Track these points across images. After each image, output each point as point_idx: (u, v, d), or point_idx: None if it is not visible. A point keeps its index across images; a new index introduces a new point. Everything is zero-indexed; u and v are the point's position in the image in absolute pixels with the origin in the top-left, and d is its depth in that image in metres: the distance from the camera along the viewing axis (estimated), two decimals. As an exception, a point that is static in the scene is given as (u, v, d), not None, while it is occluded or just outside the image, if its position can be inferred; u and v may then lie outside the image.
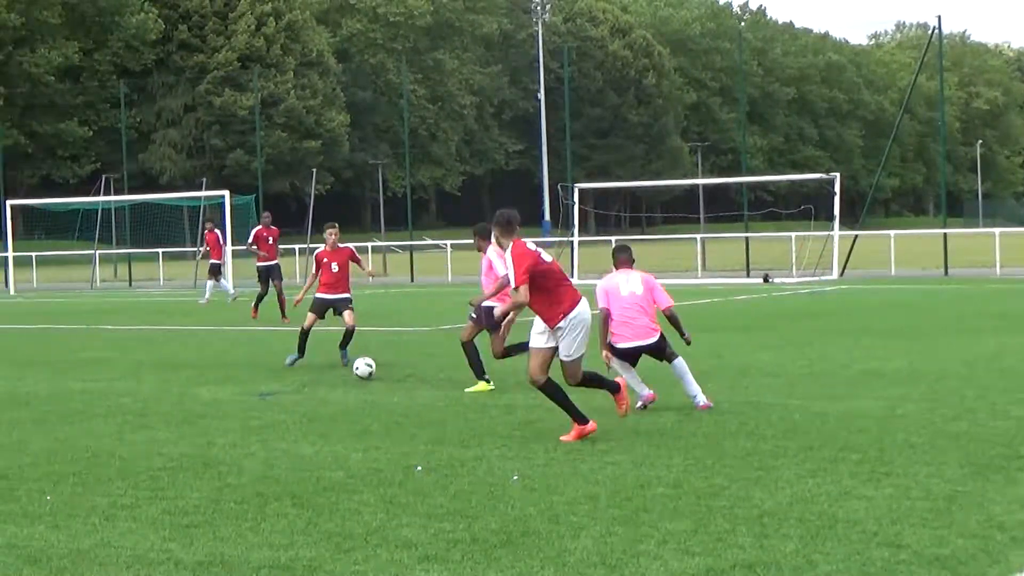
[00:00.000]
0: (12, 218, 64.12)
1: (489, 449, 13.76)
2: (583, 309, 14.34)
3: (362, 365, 20.31)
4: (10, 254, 63.77)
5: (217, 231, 47.19)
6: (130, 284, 64.86)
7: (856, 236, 56.69)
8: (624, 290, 16.69)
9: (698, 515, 10.45)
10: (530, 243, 14.62)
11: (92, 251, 69.48)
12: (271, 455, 13.76)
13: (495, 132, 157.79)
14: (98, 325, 35.55)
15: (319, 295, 23.02)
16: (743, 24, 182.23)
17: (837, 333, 27.62)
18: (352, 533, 10.14)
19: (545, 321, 14.34)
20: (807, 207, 61.45)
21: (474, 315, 19.06)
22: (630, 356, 16.65)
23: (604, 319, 16.52)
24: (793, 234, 56.78)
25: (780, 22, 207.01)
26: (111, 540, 10.16)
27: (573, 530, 10.03)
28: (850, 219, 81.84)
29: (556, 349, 14.40)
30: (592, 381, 14.87)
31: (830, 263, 53.40)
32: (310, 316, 22.58)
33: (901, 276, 52.32)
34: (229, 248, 52.04)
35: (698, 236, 63.28)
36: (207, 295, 45.42)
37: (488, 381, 18.88)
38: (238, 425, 15.98)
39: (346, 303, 22.85)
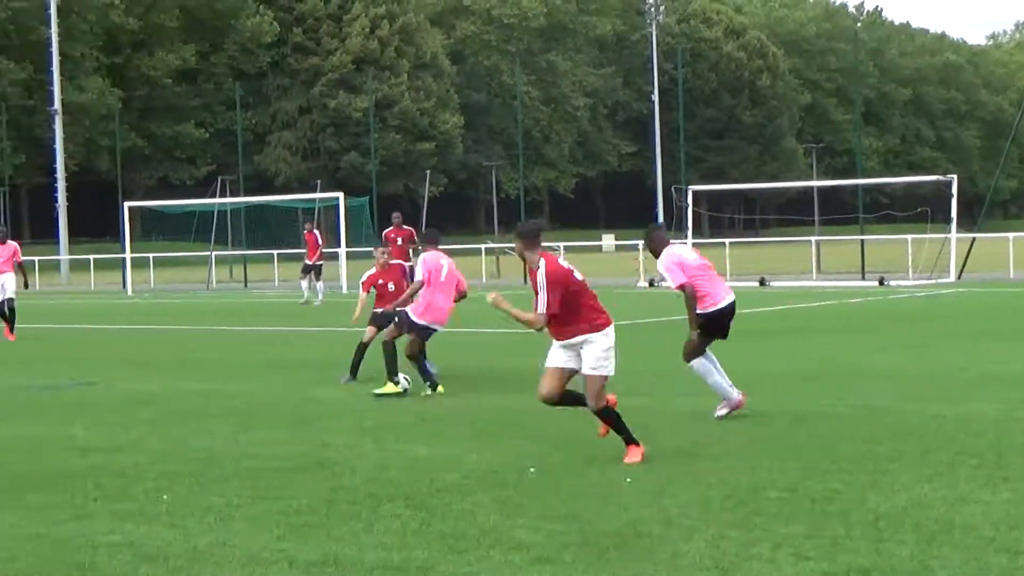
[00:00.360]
0: (130, 220, 64.87)
1: (601, 452, 13.72)
2: (612, 330, 13.31)
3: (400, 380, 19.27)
4: (128, 255, 64.50)
5: (316, 232, 47.46)
6: (245, 285, 65.40)
7: (974, 239, 56.10)
8: (689, 256, 16.39)
9: (812, 519, 10.38)
10: (562, 259, 13.35)
11: (208, 252, 70.11)
12: (385, 456, 13.82)
13: (608, 134, 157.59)
14: (214, 326, 35.88)
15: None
16: (859, 24, 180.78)
17: (954, 336, 27.36)
18: (465, 534, 10.16)
19: (565, 336, 13.34)
20: (923, 209, 60.81)
21: (396, 320, 19.92)
22: (722, 323, 16.35)
23: (691, 294, 15.93)
24: (909, 236, 56.19)
25: (896, 22, 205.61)
26: (226, 539, 10.24)
27: (686, 533, 10.00)
28: (967, 221, 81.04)
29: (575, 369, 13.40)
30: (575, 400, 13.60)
31: (947, 266, 52.85)
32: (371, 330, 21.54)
33: (1021, 279, 51.66)
34: (344, 249, 52.24)
35: (813, 238, 62.92)
36: (320, 297, 45.71)
37: (397, 383, 19.21)
38: (352, 426, 16.07)
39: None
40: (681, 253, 16.23)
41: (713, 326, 16.16)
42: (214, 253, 69.93)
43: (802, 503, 11.01)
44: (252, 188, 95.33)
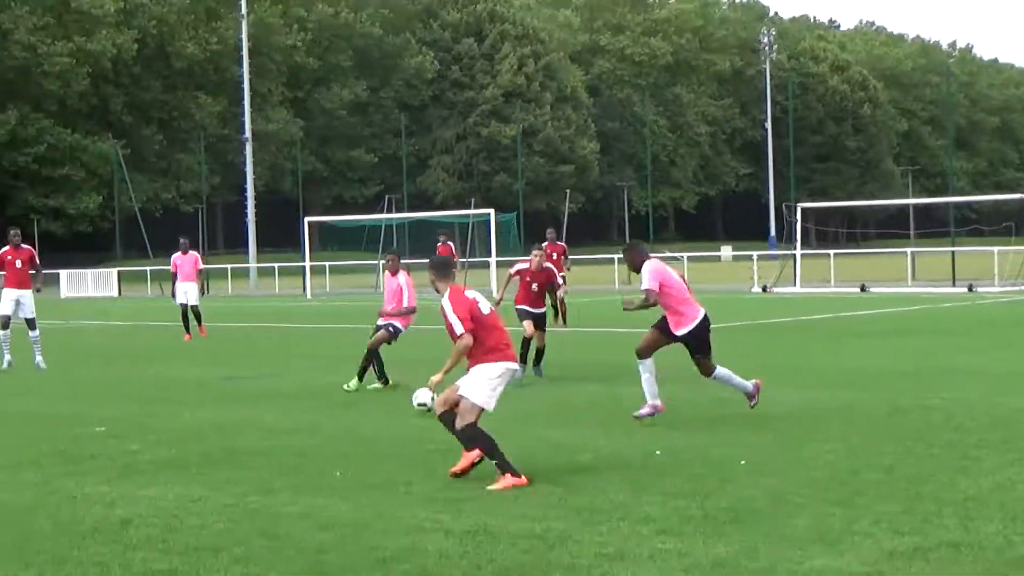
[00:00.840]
0: (309, 233, 65.45)
1: (720, 437, 13.64)
2: (512, 367, 12.03)
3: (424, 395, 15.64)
4: (307, 263, 65.12)
5: (450, 243, 47.69)
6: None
7: (1055, 249, 55.13)
8: (674, 275, 15.17)
9: (907, 499, 10.22)
10: (469, 291, 12.13)
11: (376, 261, 70.61)
12: (529, 440, 13.81)
13: (727, 157, 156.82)
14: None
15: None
16: (951, 60, 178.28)
17: (1036, 337, 26.88)
18: (599, 508, 10.13)
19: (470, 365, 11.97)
20: (1008, 224, 59.84)
21: (391, 329, 20.05)
22: (703, 338, 15.10)
23: (652, 303, 14.83)
24: (996, 248, 55.26)
25: (986, 58, 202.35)
26: (391, 511, 10.30)
27: (794, 509, 9.90)
28: (1050, 234, 79.54)
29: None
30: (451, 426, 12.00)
31: (1030, 274, 51.98)
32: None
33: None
34: (494, 259, 52.31)
35: (908, 250, 62.05)
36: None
37: (386, 383, 19.53)
38: (500, 413, 16.05)
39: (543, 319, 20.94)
40: (667, 269, 15.17)
41: (696, 342, 15.11)
42: (381, 262, 70.38)
43: (898, 484, 10.86)
44: (415, 205, 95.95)
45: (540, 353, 20.58)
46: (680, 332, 14.99)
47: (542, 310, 20.92)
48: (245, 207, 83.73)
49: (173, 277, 33.35)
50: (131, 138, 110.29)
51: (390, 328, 20.08)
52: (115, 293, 72.42)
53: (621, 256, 16.12)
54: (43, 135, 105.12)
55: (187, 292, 32.80)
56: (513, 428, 14.68)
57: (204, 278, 34.63)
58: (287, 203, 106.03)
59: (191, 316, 32.68)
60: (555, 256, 34.42)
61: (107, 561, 8.89)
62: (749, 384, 15.20)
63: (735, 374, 15.29)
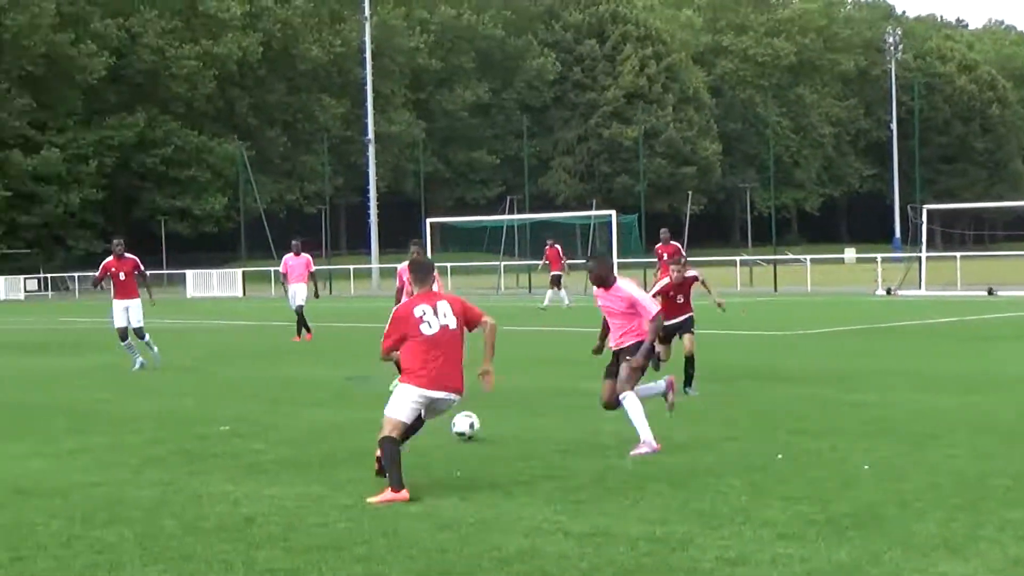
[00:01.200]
0: (431, 233, 65.85)
1: (842, 441, 13.51)
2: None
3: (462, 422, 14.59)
4: (429, 264, 65.45)
5: (557, 246, 47.60)
6: (529, 291, 65.80)
7: None
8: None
9: (1036, 506, 10.06)
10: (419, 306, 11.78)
11: (498, 262, 70.86)
12: (649, 441, 13.77)
13: (851, 158, 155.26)
14: (503, 326, 36.13)
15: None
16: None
17: None
18: (720, 512, 10.09)
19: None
20: None
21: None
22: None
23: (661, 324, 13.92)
24: None
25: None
26: (511, 511, 10.33)
27: (918, 515, 9.78)
28: None
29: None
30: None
31: None
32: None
33: None
34: (616, 260, 52.28)
35: (1038, 251, 60.99)
36: (567, 301, 45.98)
37: None
38: (622, 415, 16.03)
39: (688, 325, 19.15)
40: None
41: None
42: (503, 263, 70.64)
43: (1026, 491, 10.69)
44: (536, 206, 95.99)
45: (689, 362, 18.68)
46: (622, 346, 13.93)
47: (684, 316, 18.98)
48: (368, 208, 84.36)
49: (284, 279, 33.31)
50: (256, 140, 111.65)
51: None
52: (240, 293, 73.32)
53: (587, 264, 14.76)
54: (170, 137, 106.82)
55: (296, 294, 32.67)
56: (634, 430, 14.64)
57: (315, 280, 34.57)
58: (409, 204, 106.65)
59: (300, 318, 32.34)
60: (665, 257, 34.08)
61: (230, 559, 9.00)
62: (661, 384, 14.35)
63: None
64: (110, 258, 25.39)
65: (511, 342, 30.16)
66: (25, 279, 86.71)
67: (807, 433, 14.18)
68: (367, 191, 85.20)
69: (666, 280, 19.24)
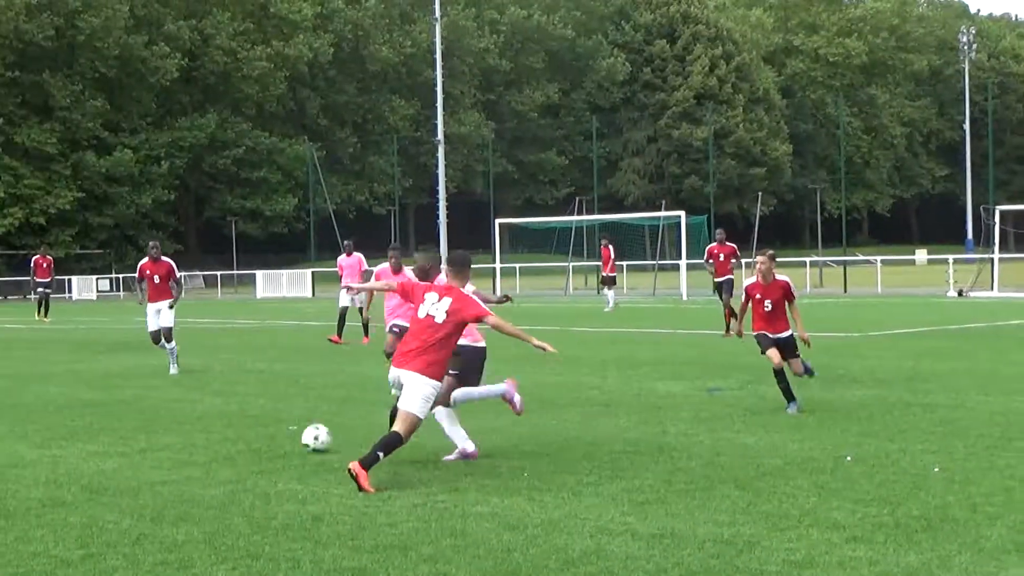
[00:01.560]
0: (500, 234, 65.91)
1: (912, 443, 13.42)
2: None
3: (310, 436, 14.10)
4: (497, 265, 65.64)
5: (610, 247, 47.54)
6: (598, 292, 65.75)
7: None
8: None
9: (1108, 510, 9.95)
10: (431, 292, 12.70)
11: (566, 263, 70.84)
12: (717, 443, 13.75)
13: (923, 159, 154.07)
14: (570, 327, 36.20)
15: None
16: None
17: None
18: (787, 514, 10.04)
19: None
20: None
21: (395, 330, 18.17)
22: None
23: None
24: None
25: None
26: (577, 512, 10.33)
27: (989, 519, 9.70)
28: None
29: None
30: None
31: None
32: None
33: None
34: (684, 261, 52.12)
35: (1113, 254, 60.31)
36: (610, 304, 45.76)
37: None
38: (689, 416, 16.02)
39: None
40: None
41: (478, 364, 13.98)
42: (572, 264, 70.60)
43: (1099, 495, 10.57)
44: (605, 207, 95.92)
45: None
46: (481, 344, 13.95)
47: (786, 333, 17.00)
48: (437, 209, 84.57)
49: (340, 279, 32.65)
50: (326, 141, 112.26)
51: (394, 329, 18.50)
52: (309, 294, 73.70)
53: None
54: (242, 138, 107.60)
55: (352, 296, 32.26)
56: (703, 432, 14.63)
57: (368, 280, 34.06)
58: (478, 205, 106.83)
59: (361, 320, 31.88)
60: (722, 258, 33.60)
61: (298, 557, 9.06)
62: (500, 386, 13.98)
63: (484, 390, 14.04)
64: (145, 260, 25.10)
65: (583, 342, 30.16)
66: (97, 279, 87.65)
67: (876, 435, 14.09)
68: (436, 192, 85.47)
69: (752, 279, 17.25)
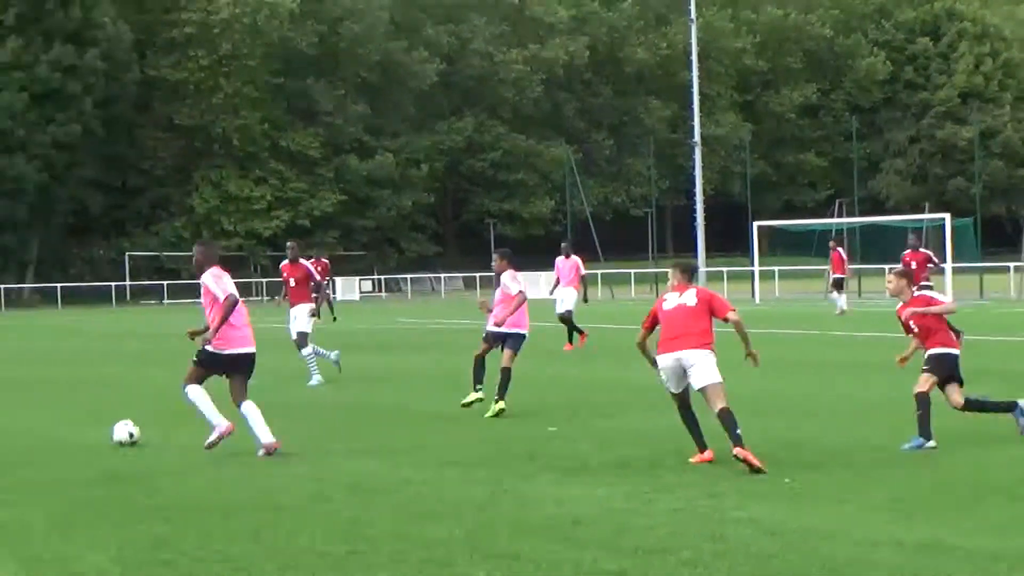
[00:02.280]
0: (758, 237, 65.33)
1: None
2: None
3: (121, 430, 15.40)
4: (756, 268, 65.09)
5: (840, 249, 46.41)
6: (859, 295, 64.63)
7: None
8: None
9: None
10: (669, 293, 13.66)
11: (826, 266, 69.76)
12: (985, 453, 13.40)
13: None
14: (825, 331, 35.65)
15: None
16: None
17: None
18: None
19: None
20: None
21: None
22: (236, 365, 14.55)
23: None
24: None
25: None
26: (838, 520, 10.19)
27: None
28: None
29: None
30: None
31: None
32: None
33: None
34: (949, 265, 50.95)
35: None
36: (841, 306, 44.72)
37: (478, 391, 18.07)
38: (956, 425, 15.52)
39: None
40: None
41: (229, 366, 14.46)
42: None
43: None
44: (866, 209, 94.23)
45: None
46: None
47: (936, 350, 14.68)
48: (694, 211, 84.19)
49: (556, 282, 32.22)
50: (582, 143, 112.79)
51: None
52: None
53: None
54: (499, 141, 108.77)
55: (563, 299, 31.56)
56: (964, 441, 14.23)
57: (585, 283, 33.13)
58: (735, 207, 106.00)
59: (572, 323, 31.08)
60: (914, 265, 32.10)
61: (558, 559, 9.11)
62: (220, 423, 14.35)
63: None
64: (285, 262, 24.28)
65: (830, 345, 29.71)
66: (360, 280, 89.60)
67: None
68: (693, 194, 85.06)
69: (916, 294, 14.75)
